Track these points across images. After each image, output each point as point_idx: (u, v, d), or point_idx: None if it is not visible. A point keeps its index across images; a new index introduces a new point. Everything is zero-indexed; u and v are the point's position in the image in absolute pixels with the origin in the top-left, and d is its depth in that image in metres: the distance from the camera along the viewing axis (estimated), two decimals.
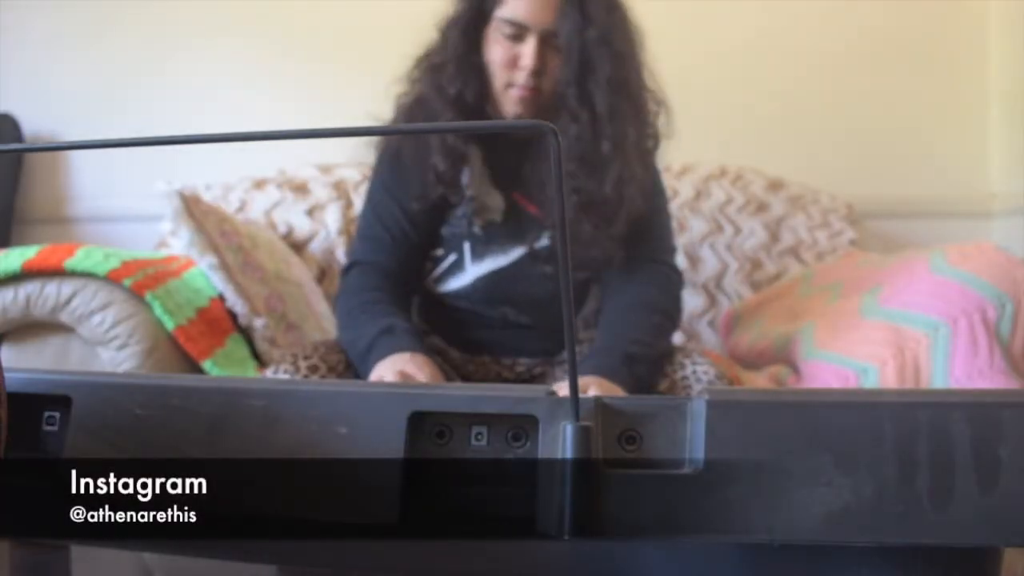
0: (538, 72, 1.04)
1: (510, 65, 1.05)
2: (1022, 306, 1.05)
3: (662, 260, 1.13)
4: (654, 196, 1.14)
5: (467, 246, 1.12)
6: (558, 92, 1.05)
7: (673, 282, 1.13)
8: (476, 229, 1.11)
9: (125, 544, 0.47)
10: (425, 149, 1.09)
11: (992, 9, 1.91)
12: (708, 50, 1.93)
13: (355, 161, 1.71)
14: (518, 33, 1.04)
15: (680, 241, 1.69)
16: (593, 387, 0.90)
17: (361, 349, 0.99)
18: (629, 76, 1.05)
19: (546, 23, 1.03)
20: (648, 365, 1.00)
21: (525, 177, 1.11)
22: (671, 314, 1.10)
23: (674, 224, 1.29)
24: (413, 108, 1.11)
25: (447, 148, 1.08)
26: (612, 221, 1.06)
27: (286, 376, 0.98)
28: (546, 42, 1.04)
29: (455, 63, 1.07)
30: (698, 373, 1.00)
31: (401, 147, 1.12)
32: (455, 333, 1.15)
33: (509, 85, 1.06)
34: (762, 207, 1.75)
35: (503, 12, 1.04)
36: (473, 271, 1.12)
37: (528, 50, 1.03)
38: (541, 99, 1.06)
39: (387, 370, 0.93)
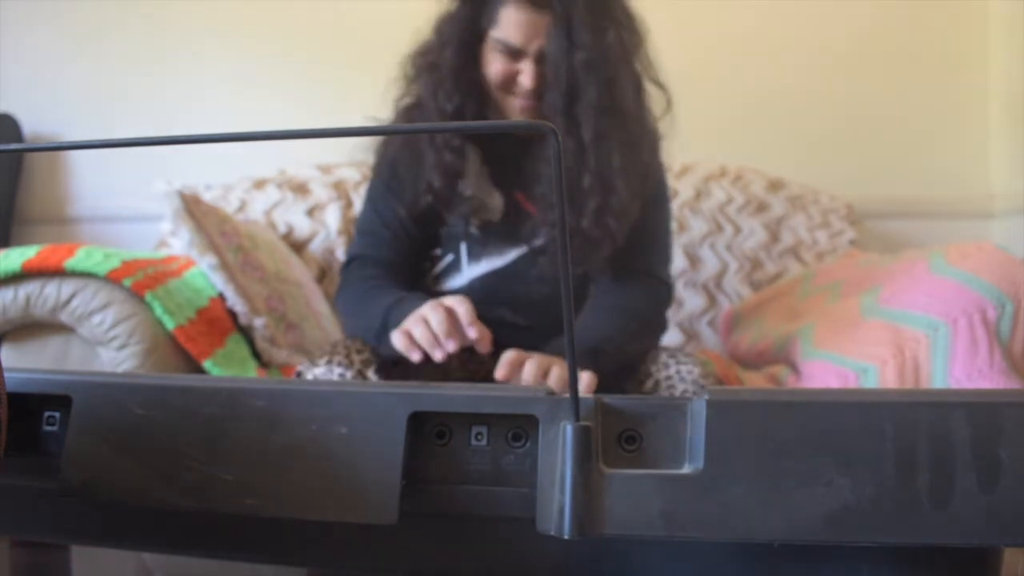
0: (537, 91, 1.04)
1: (509, 83, 1.06)
2: (1022, 306, 1.05)
3: (655, 274, 1.13)
4: (655, 206, 1.13)
5: (463, 247, 1.12)
6: (554, 121, 1.05)
7: (661, 296, 1.13)
8: (473, 230, 1.11)
9: (125, 544, 0.47)
10: (420, 163, 1.09)
11: (992, 9, 1.91)
12: (708, 50, 1.93)
13: (355, 161, 1.71)
14: (514, 53, 1.04)
15: (680, 241, 1.69)
16: (556, 366, 0.91)
17: (376, 329, 0.99)
18: (621, 99, 1.03)
19: (539, 45, 1.03)
20: (614, 363, 1.00)
21: (525, 176, 1.11)
22: (650, 324, 1.10)
23: (674, 225, 1.28)
24: (412, 111, 1.11)
25: (443, 165, 1.08)
26: (595, 249, 1.05)
27: (339, 370, 0.98)
28: (541, 62, 1.04)
29: (452, 78, 1.07)
30: (682, 373, 1.00)
31: (397, 158, 1.12)
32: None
33: (510, 96, 1.07)
34: (762, 207, 1.75)
35: (497, 33, 1.04)
36: (469, 272, 1.12)
37: (526, 69, 1.04)
38: (543, 110, 1.06)
39: (427, 310, 0.90)
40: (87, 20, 2.03)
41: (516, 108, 1.07)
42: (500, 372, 0.90)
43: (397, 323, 0.94)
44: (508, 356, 0.92)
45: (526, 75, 1.04)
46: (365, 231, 1.14)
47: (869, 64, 1.93)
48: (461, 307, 0.90)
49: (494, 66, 1.06)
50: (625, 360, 1.04)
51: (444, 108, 1.07)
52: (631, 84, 1.06)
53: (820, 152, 1.93)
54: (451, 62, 1.07)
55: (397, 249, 1.11)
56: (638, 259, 1.11)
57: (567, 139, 1.03)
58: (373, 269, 1.10)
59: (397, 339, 0.91)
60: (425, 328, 0.89)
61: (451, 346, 0.87)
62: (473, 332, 0.88)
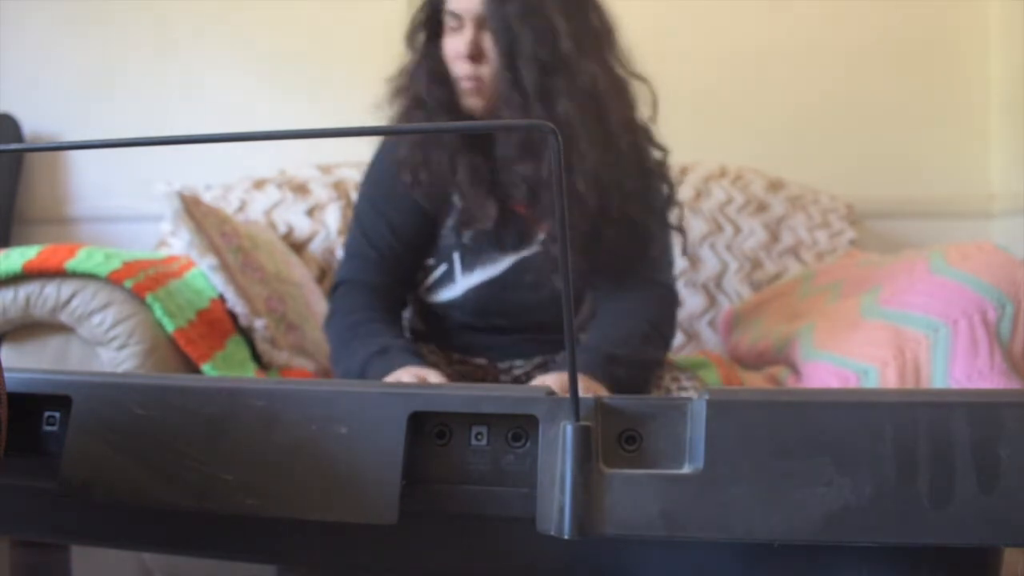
0: (473, 58, 1.02)
1: (454, 57, 1.04)
2: (1022, 307, 1.05)
3: (658, 280, 1.11)
4: (648, 205, 1.11)
5: (457, 257, 1.11)
6: (498, 79, 1.03)
7: (667, 301, 1.12)
8: (466, 239, 1.09)
9: (125, 544, 0.47)
10: (409, 174, 1.08)
11: (992, 10, 1.91)
12: (708, 50, 1.93)
13: (355, 161, 1.72)
14: (457, 25, 1.03)
15: (680, 241, 1.69)
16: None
17: (355, 375, 0.99)
18: (564, 49, 0.99)
19: (477, 8, 1.01)
20: (628, 370, 0.99)
21: (516, 181, 1.09)
22: (660, 329, 1.09)
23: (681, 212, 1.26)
24: (401, 122, 1.11)
25: (432, 171, 1.07)
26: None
27: None
28: (481, 28, 1.02)
29: (423, 71, 1.07)
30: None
31: (384, 173, 1.12)
32: (449, 339, 1.15)
33: (458, 78, 1.05)
34: (762, 207, 1.75)
35: (446, 6, 1.04)
36: (464, 282, 1.11)
37: (464, 37, 1.02)
38: (487, 88, 1.04)
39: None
40: (87, 20, 2.03)
41: (464, 91, 1.05)
42: None
43: (375, 378, 0.94)
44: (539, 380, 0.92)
45: (462, 43, 1.02)
46: (353, 254, 1.13)
47: (869, 64, 1.93)
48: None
49: (446, 45, 1.05)
50: (639, 366, 1.03)
51: (428, 106, 1.06)
52: (581, 36, 1.02)
53: (820, 152, 1.93)
54: (421, 49, 1.07)
55: (386, 271, 1.10)
56: (639, 266, 1.10)
57: (512, 95, 1.00)
58: (361, 298, 1.08)
59: None
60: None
61: None
62: None
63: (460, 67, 1.04)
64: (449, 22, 1.04)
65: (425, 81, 1.06)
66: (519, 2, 0.98)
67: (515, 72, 1.00)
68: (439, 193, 1.08)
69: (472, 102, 1.05)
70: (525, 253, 1.09)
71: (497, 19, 0.99)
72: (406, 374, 0.91)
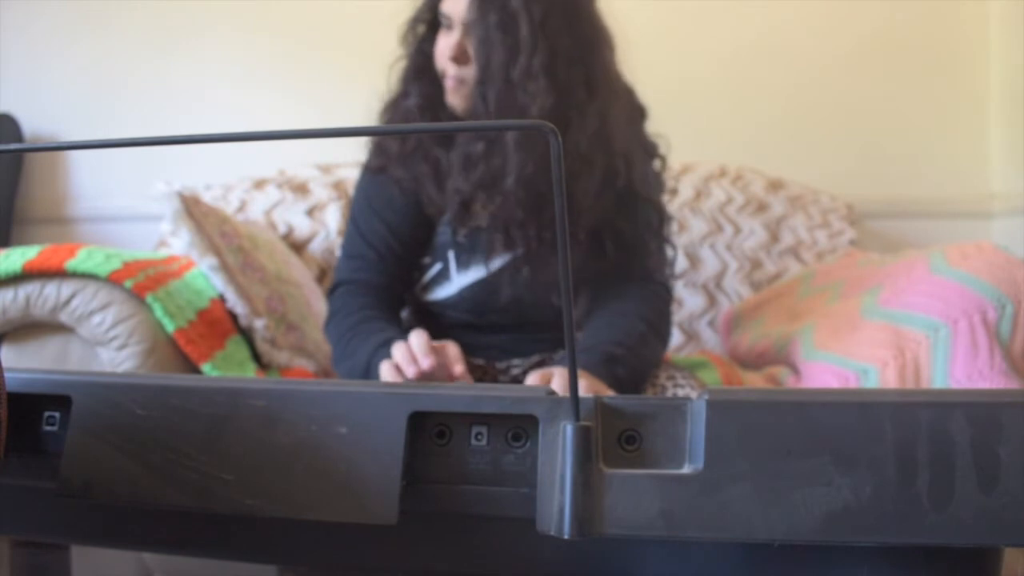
0: (457, 59, 1.04)
1: (441, 56, 1.06)
2: (1022, 307, 1.05)
3: (653, 278, 1.12)
4: (639, 206, 1.10)
5: (452, 255, 1.11)
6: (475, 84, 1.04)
7: (663, 300, 1.13)
8: (460, 237, 1.09)
9: (125, 544, 0.47)
10: (403, 173, 1.09)
11: (992, 9, 1.91)
12: (709, 50, 1.93)
13: (355, 161, 1.71)
14: (449, 25, 1.05)
15: (680, 241, 1.69)
16: (581, 379, 0.89)
17: (360, 371, 0.98)
18: (540, 64, 0.99)
19: (464, 13, 1.03)
20: (628, 370, 0.99)
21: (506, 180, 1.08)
22: (657, 328, 1.09)
23: (675, 225, 1.27)
24: (386, 116, 1.12)
25: (424, 170, 1.07)
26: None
27: None
28: (468, 33, 1.03)
29: (414, 64, 1.09)
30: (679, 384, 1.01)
31: (382, 169, 1.12)
32: (446, 339, 1.15)
33: (444, 75, 1.07)
34: (762, 207, 1.75)
35: (441, 5, 1.06)
36: (459, 280, 1.11)
37: (451, 39, 1.04)
38: (468, 90, 1.05)
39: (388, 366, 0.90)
40: (87, 20, 2.03)
41: (448, 89, 1.06)
42: (530, 382, 0.90)
43: (380, 363, 0.93)
44: (539, 372, 0.91)
45: (448, 45, 1.03)
46: (351, 254, 1.13)
47: (869, 64, 1.93)
48: (446, 351, 0.89)
49: (438, 42, 1.06)
50: (639, 365, 1.03)
51: (417, 102, 1.08)
52: (558, 49, 1.01)
53: (820, 152, 1.93)
54: (416, 43, 1.09)
55: (383, 270, 1.10)
56: (635, 266, 1.10)
57: (484, 102, 1.00)
58: (360, 298, 1.08)
59: (384, 370, 0.91)
60: (404, 347, 0.89)
61: (426, 363, 0.86)
62: (427, 362, 0.85)
63: (446, 66, 1.06)
64: (443, 21, 1.06)
65: (414, 74, 1.09)
66: (500, 15, 0.99)
67: (490, 82, 1.01)
68: (430, 191, 1.08)
69: (454, 100, 1.07)
70: (519, 251, 1.08)
71: (478, 30, 1.01)
72: (416, 335, 0.89)
